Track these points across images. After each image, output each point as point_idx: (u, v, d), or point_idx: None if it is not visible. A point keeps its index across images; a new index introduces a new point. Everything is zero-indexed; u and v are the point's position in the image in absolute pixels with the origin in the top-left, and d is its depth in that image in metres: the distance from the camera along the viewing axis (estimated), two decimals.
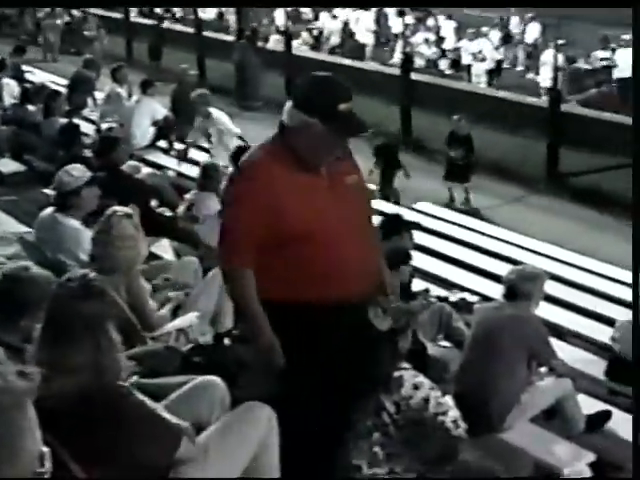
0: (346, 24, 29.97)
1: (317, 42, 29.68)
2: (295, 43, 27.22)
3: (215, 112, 15.83)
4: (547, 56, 23.90)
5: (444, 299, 9.21)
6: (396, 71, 22.59)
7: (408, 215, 14.52)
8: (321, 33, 30.48)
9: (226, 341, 8.08)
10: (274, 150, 5.19)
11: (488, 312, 7.65)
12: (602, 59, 24.23)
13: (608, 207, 16.80)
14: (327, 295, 5.20)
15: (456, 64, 27.25)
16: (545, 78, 23.66)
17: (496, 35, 26.62)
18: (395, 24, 28.87)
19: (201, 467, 4.78)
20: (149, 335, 6.98)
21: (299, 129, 5.08)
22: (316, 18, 31.74)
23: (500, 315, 7.49)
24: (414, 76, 22.29)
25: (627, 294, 10.20)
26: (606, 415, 7.96)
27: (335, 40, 29.90)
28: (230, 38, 27.29)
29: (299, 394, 5.16)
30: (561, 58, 22.08)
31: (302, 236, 5.08)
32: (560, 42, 23.20)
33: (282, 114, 5.20)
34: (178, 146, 16.43)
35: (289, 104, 5.14)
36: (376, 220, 8.88)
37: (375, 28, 29.68)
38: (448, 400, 5.95)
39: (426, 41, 27.54)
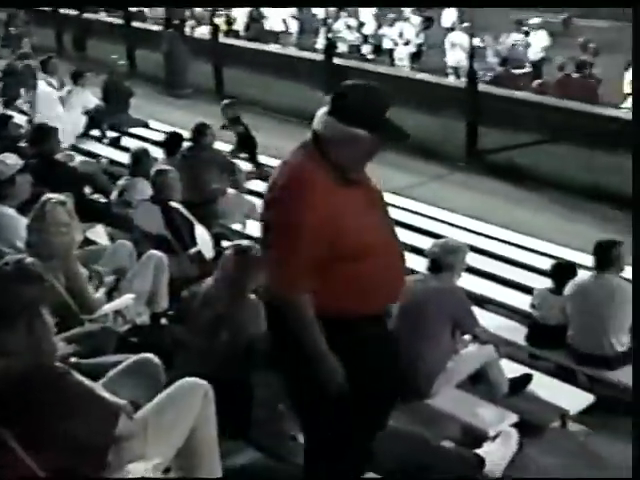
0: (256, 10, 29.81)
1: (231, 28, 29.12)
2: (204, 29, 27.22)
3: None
4: (456, 38, 24.06)
5: None
6: (320, 56, 22.58)
7: None
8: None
9: (162, 321, 8.07)
10: (315, 164, 4.82)
11: (413, 285, 7.66)
12: (515, 41, 24.37)
13: (524, 181, 16.96)
14: (377, 305, 5.11)
15: (377, 49, 27.26)
16: (453, 59, 23.84)
17: (416, 20, 26.64)
18: (319, 10, 28.83)
19: (141, 442, 4.77)
20: (87, 317, 6.94)
21: (342, 140, 4.80)
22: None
23: (425, 287, 7.52)
24: (337, 61, 22.31)
25: (544, 263, 10.29)
26: (527, 378, 8.03)
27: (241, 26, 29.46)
28: (158, 28, 27.01)
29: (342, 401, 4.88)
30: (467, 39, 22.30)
31: (356, 250, 4.84)
32: (465, 25, 23.43)
33: (316, 125, 4.87)
34: (110, 134, 16.36)
35: (326, 115, 4.83)
36: None
37: (298, 15, 29.58)
38: None
39: (348, 27, 27.52)
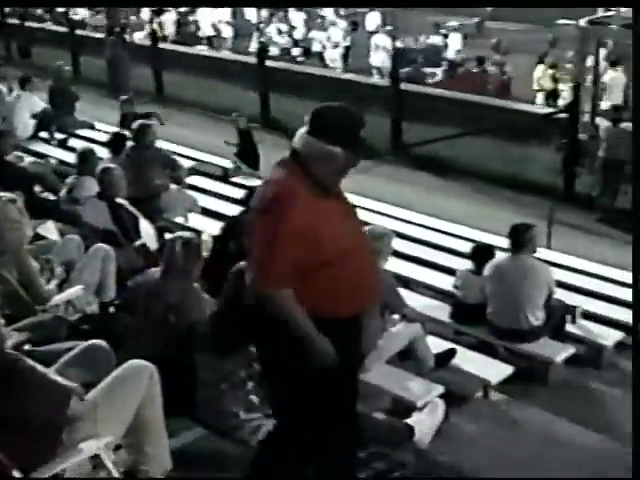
0: (184, 15, 29.65)
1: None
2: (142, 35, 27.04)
3: None
4: (379, 40, 24.16)
5: None
6: (253, 59, 22.51)
7: None
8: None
9: (111, 309, 8.04)
10: (296, 178, 4.94)
11: None
12: (433, 43, 24.53)
13: (446, 172, 17.08)
14: (354, 308, 5.17)
15: (307, 52, 27.27)
16: (377, 60, 23.90)
17: (342, 24, 26.65)
18: (252, 16, 28.76)
19: (92, 422, 4.76)
20: (40, 308, 6.90)
21: (320, 157, 4.92)
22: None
23: None
24: (269, 63, 22.27)
25: (464, 246, 10.35)
26: (451, 353, 8.10)
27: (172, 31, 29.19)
28: (101, 35, 26.80)
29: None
30: (389, 41, 22.47)
31: (334, 256, 4.94)
32: (388, 28, 23.57)
33: (295, 143, 5.02)
34: (58, 136, 16.25)
35: (306, 135, 4.97)
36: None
37: (232, 21, 29.46)
38: None
39: (279, 31, 27.51)
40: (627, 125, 15.54)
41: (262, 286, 4.90)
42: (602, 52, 19.11)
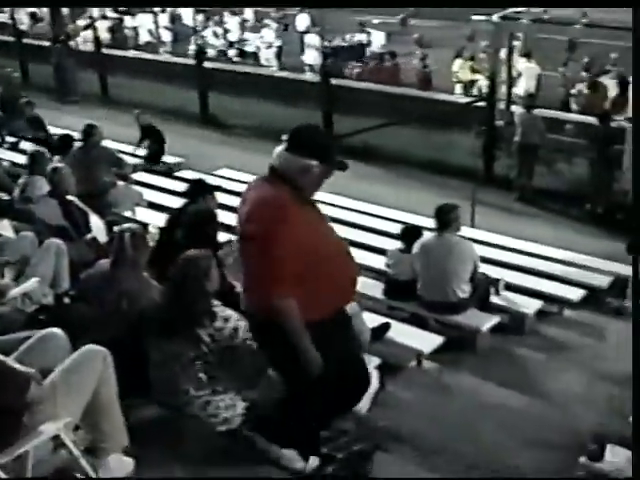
0: (120, 21, 29.43)
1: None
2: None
3: None
4: (309, 39, 24.27)
5: None
6: (192, 61, 22.39)
7: (211, 180, 14.59)
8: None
9: (65, 300, 7.98)
10: (283, 191, 5.07)
11: None
12: (359, 40, 24.57)
13: (375, 159, 17.15)
14: (341, 304, 5.40)
15: (242, 53, 27.15)
16: (308, 57, 23.92)
17: (274, 25, 26.57)
18: (189, 21, 28.54)
19: (51, 405, 4.75)
20: None
21: (302, 171, 5.07)
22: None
23: None
24: (207, 64, 22.19)
25: (393, 228, 10.40)
26: (386, 326, 8.16)
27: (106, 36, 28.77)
28: (47, 43, 26.44)
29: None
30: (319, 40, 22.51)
31: (323, 260, 5.09)
32: (318, 28, 23.64)
33: (275, 161, 5.17)
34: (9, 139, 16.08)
35: (285, 153, 5.11)
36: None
37: (171, 26, 29.22)
38: None
39: (215, 35, 27.35)
40: (539, 111, 15.75)
41: (274, 298, 4.97)
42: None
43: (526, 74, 19.60)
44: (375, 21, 25.41)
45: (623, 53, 18.54)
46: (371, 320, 8.17)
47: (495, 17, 16.14)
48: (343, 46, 24.46)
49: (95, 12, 29.43)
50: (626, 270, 11.49)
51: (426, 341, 8.13)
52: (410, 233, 9.28)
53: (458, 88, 21.60)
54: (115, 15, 30.18)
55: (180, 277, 5.73)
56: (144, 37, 28.84)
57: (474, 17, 17.25)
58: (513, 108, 17.07)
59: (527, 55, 19.80)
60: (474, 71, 21.37)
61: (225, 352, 5.64)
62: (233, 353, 5.68)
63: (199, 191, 8.74)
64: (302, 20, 26.82)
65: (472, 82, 21.38)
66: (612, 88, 18.28)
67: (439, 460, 6.12)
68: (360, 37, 24.94)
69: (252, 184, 5.39)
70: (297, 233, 4.98)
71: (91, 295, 6.73)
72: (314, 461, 5.60)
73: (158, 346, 5.74)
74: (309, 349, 5.05)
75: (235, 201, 12.92)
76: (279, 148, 5.26)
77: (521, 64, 19.57)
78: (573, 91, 19.42)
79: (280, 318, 5.01)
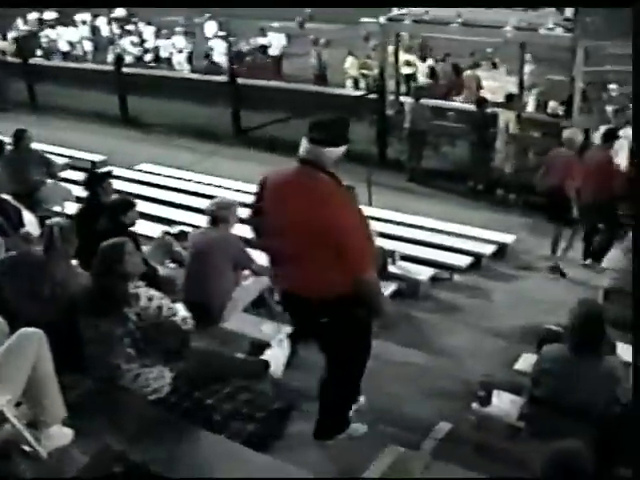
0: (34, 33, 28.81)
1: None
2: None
3: None
4: (216, 44, 24.21)
5: (167, 232, 9.16)
6: (111, 68, 22.03)
7: (134, 175, 14.49)
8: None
9: None
10: (327, 178, 4.95)
11: (199, 236, 7.67)
12: (261, 44, 24.47)
13: (280, 150, 17.14)
14: None
15: (157, 58, 26.83)
16: (217, 60, 23.79)
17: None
18: (106, 32, 28.06)
19: None
20: None
21: (333, 158, 4.96)
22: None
23: (207, 237, 7.52)
24: (126, 70, 21.89)
25: None
26: None
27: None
28: None
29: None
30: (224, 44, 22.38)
31: (369, 235, 5.31)
32: (221, 34, 23.59)
33: (306, 154, 4.97)
34: None
35: (312, 145, 4.95)
36: None
37: (91, 37, 28.73)
38: (177, 305, 5.95)
39: (132, 43, 26.99)
40: (426, 101, 15.91)
41: (365, 272, 5.00)
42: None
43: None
44: (275, 25, 25.34)
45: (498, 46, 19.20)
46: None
47: (382, 19, 16.19)
48: (247, 49, 24.31)
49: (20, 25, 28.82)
50: (505, 238, 11.74)
51: None
52: None
53: (349, 83, 21.75)
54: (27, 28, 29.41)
55: (101, 264, 5.67)
56: (63, 47, 28.19)
57: (363, 19, 17.28)
58: (402, 98, 17.19)
59: (409, 50, 20.51)
60: (364, 67, 21.55)
61: (151, 328, 5.59)
62: (158, 329, 5.63)
63: (95, 182, 8.69)
64: (210, 26, 26.60)
65: (364, 76, 21.54)
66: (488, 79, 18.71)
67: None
68: (262, 40, 24.83)
69: (280, 177, 5.18)
70: (358, 212, 5.10)
71: (25, 282, 6.60)
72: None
73: (90, 326, 5.68)
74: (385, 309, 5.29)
75: (158, 192, 12.99)
76: (304, 141, 5.00)
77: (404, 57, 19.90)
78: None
79: (371, 288, 5.05)
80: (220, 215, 7.53)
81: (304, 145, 5.00)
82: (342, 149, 5.00)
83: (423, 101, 15.87)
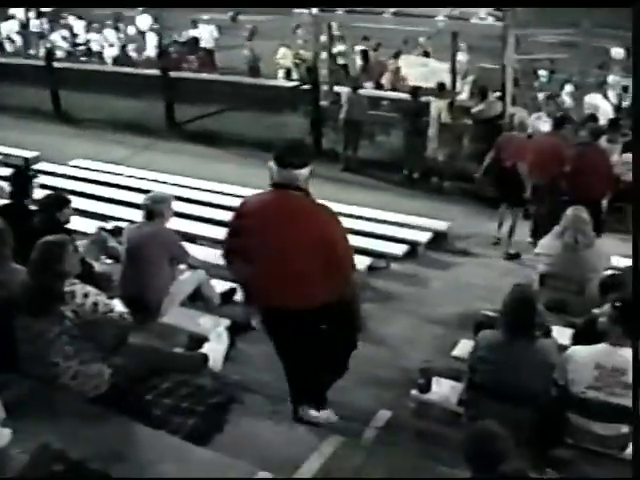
0: None
1: None
2: None
3: None
4: (149, 37, 24.04)
5: (102, 228, 9.05)
6: (42, 62, 21.69)
7: (68, 170, 14.32)
8: None
9: None
10: (306, 198, 5.41)
11: (134, 231, 7.60)
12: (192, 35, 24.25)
13: (215, 141, 17.12)
14: None
15: (89, 52, 26.44)
16: (150, 53, 23.52)
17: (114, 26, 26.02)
18: (36, 27, 27.57)
19: None
20: None
21: (303, 178, 5.35)
22: None
23: (143, 232, 7.46)
24: (57, 64, 21.58)
25: (235, 202, 10.27)
26: (233, 291, 8.14)
27: None
28: None
29: None
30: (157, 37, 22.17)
31: None
32: (155, 26, 23.38)
33: (281, 179, 5.36)
34: None
35: (285, 170, 5.33)
36: None
37: (22, 31, 28.20)
38: (114, 301, 5.92)
39: (63, 38, 26.56)
40: (363, 91, 15.96)
41: (353, 274, 5.59)
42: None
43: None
44: (205, 17, 25.15)
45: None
46: (220, 286, 8.19)
47: (314, 9, 16.17)
48: (179, 41, 24.09)
49: None
50: (441, 225, 11.84)
51: None
52: None
53: (281, 74, 21.71)
54: None
55: (40, 262, 5.58)
56: None
57: (296, 10, 17.27)
58: (337, 89, 17.22)
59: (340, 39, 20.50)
60: (297, 58, 21.53)
61: (88, 325, 5.52)
62: (95, 326, 5.57)
63: (21, 180, 8.58)
64: (143, 19, 26.26)
65: (297, 66, 21.53)
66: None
67: (288, 405, 6.16)
68: (194, 32, 24.61)
69: (264, 202, 5.55)
70: (339, 222, 5.49)
71: None
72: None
73: (26, 325, 5.60)
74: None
75: (89, 188, 12.85)
76: (275, 168, 5.40)
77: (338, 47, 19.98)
78: None
79: (355, 288, 5.65)
80: (155, 209, 7.49)
81: (277, 171, 5.37)
82: (309, 168, 5.38)
83: (360, 91, 15.90)
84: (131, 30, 25.88)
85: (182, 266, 7.88)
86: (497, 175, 11.82)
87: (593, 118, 12.19)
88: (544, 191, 10.99)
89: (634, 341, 5.08)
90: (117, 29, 26.00)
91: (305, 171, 5.34)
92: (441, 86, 14.90)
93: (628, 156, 11.22)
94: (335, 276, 5.33)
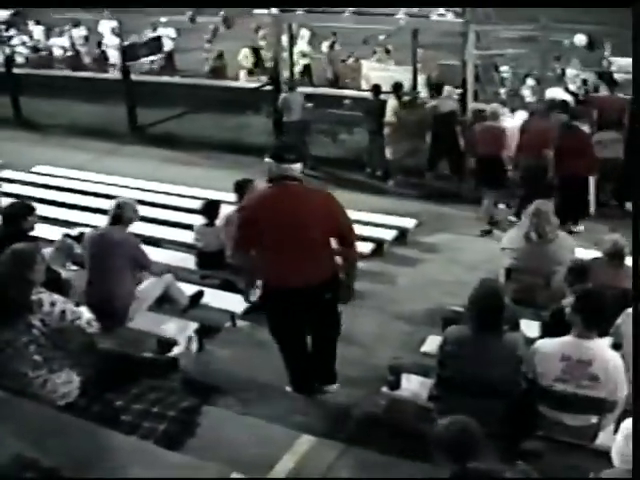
0: None
1: None
2: None
3: None
4: (109, 40, 23.84)
5: (67, 235, 8.99)
6: (2, 69, 21.51)
7: (28, 177, 14.20)
8: None
9: None
10: (305, 185, 6.32)
11: (96, 238, 7.55)
12: (153, 37, 24.15)
13: (178, 145, 17.07)
14: None
15: (49, 56, 26.15)
16: (111, 57, 23.41)
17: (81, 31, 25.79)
18: None
19: None
20: None
21: (298, 171, 6.12)
22: None
23: (105, 238, 7.44)
24: (17, 71, 21.44)
25: (198, 205, 10.22)
26: (200, 294, 8.14)
27: None
28: None
29: None
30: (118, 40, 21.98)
31: None
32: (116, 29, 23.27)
33: (286, 172, 6.03)
34: None
35: (286, 166, 6.03)
36: None
37: None
38: (81, 309, 5.90)
39: (23, 43, 26.32)
40: (301, 90, 15.91)
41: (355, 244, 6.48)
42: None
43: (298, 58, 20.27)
44: (163, 19, 25.04)
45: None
46: (188, 289, 8.19)
47: (274, 10, 16.17)
48: (139, 43, 23.95)
49: None
50: (406, 223, 11.89)
51: (238, 303, 8.12)
52: (210, 207, 9.22)
53: (242, 75, 21.69)
54: None
55: (6, 271, 5.55)
56: None
57: (256, 11, 17.23)
58: (298, 89, 17.25)
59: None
60: (257, 59, 21.56)
61: (56, 333, 5.52)
62: (63, 333, 5.58)
63: None
64: (105, 24, 26.06)
65: (255, 65, 21.58)
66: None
67: (260, 406, 6.18)
68: (154, 34, 24.49)
69: (272, 194, 6.15)
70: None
71: None
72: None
73: None
74: None
75: (52, 194, 12.75)
76: (275, 163, 6.05)
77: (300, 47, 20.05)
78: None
79: (357, 256, 6.61)
80: (120, 215, 7.46)
81: (276, 166, 6.05)
82: (301, 163, 6.18)
83: (298, 90, 15.85)
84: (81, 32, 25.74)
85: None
86: (476, 163, 12.81)
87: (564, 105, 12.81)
88: (535, 171, 11.66)
89: (635, 342, 5.09)
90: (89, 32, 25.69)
91: (299, 165, 6.11)
92: (397, 86, 14.80)
93: (600, 135, 12.40)
94: (343, 243, 6.26)
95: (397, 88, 14.66)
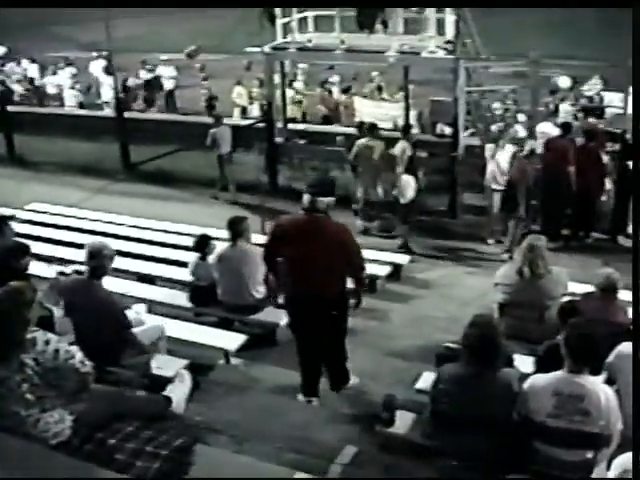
0: None
1: None
2: None
3: None
4: (103, 79, 23.76)
5: (62, 272, 8.98)
6: None
7: (22, 214, 14.20)
8: None
9: None
10: (329, 218, 7.29)
11: (78, 294, 7.40)
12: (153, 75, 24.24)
13: (170, 182, 17.13)
14: None
15: (44, 95, 26.21)
16: (105, 95, 23.30)
17: (69, 70, 25.86)
18: None
19: None
20: None
21: (327, 205, 7.20)
22: None
23: (89, 298, 7.33)
24: (11, 108, 21.57)
25: (191, 242, 10.20)
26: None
27: None
28: None
29: None
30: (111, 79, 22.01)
31: None
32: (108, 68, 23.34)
33: (313, 204, 7.12)
34: None
35: (313, 198, 7.13)
36: None
37: None
38: (74, 348, 5.85)
39: (18, 81, 26.41)
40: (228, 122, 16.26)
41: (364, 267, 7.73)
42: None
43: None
44: (163, 57, 25.13)
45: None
46: (180, 327, 8.20)
47: (266, 48, 16.26)
48: (138, 83, 24.02)
49: None
50: (400, 259, 11.91)
51: (232, 340, 8.12)
52: (202, 242, 9.27)
53: (235, 112, 21.80)
54: None
55: (2, 308, 5.54)
56: None
57: (248, 49, 17.31)
58: (290, 126, 17.34)
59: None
60: (251, 97, 21.68)
61: (49, 373, 5.49)
62: (56, 372, 5.53)
63: None
64: (97, 64, 26.14)
65: (251, 103, 21.72)
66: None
67: (253, 445, 6.15)
68: (154, 73, 24.49)
69: (300, 222, 7.26)
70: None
71: None
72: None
73: None
74: None
75: (45, 232, 12.74)
76: (307, 197, 7.15)
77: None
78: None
79: (363, 276, 7.82)
80: (99, 265, 7.35)
81: (309, 199, 7.13)
82: (333, 198, 7.22)
83: (224, 122, 16.44)
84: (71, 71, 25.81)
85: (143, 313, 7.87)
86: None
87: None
88: (558, 186, 13.17)
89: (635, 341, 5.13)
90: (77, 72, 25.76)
91: (328, 199, 7.17)
92: (407, 127, 14.66)
93: None
94: (352, 266, 7.39)
95: (407, 130, 14.42)
